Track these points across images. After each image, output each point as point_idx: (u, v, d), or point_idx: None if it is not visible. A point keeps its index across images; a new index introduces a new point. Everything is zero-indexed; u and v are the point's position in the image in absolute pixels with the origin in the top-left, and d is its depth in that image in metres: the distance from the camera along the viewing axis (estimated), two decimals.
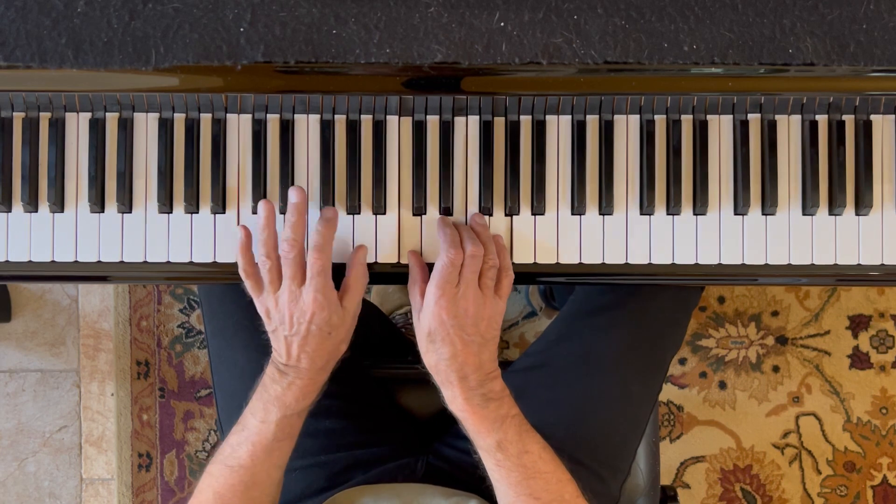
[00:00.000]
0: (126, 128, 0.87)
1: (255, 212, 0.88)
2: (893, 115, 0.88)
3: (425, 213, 0.89)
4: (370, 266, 0.88)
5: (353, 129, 0.88)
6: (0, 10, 0.81)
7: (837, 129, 0.88)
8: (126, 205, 0.88)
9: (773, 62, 0.81)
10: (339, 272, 0.87)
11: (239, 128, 0.88)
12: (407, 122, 0.88)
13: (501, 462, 0.83)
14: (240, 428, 0.86)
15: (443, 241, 0.85)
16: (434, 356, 0.84)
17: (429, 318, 0.83)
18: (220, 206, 0.88)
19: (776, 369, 1.66)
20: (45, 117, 0.88)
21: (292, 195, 0.84)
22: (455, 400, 0.83)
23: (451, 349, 0.82)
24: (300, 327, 0.83)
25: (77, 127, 0.88)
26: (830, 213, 0.89)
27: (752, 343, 1.66)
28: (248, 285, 0.85)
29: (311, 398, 0.86)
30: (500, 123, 0.89)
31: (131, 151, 0.88)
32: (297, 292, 0.82)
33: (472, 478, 0.92)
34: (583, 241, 0.89)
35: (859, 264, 0.89)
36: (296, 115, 0.88)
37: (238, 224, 0.88)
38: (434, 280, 0.83)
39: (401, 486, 0.95)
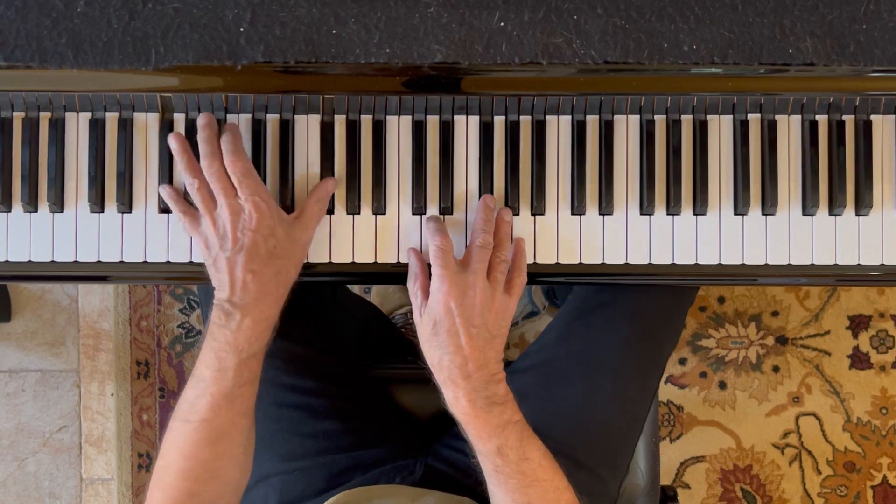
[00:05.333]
0: (126, 128, 0.87)
1: None
2: (893, 115, 0.88)
3: (425, 213, 0.88)
4: (370, 266, 0.88)
5: (353, 129, 0.88)
6: (0, 10, 0.81)
7: (837, 129, 0.88)
8: (126, 205, 0.88)
9: (773, 62, 0.81)
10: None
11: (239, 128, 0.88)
12: (407, 122, 0.88)
13: (500, 468, 0.81)
14: (195, 381, 0.80)
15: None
16: (438, 351, 0.81)
17: (435, 306, 0.81)
18: None
19: (776, 369, 1.66)
20: (45, 117, 0.88)
21: (200, 119, 0.85)
22: (458, 401, 0.81)
23: (456, 342, 0.81)
24: (244, 238, 0.80)
25: (77, 127, 0.88)
26: (830, 214, 0.89)
27: (752, 343, 1.66)
28: (186, 223, 0.83)
29: (264, 338, 0.82)
30: (500, 123, 0.89)
31: (131, 151, 0.88)
32: (235, 204, 0.81)
33: (470, 479, 0.92)
34: (583, 241, 0.89)
35: (859, 264, 0.89)
36: (296, 115, 0.88)
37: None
38: (436, 262, 0.82)
39: (398, 489, 0.95)
